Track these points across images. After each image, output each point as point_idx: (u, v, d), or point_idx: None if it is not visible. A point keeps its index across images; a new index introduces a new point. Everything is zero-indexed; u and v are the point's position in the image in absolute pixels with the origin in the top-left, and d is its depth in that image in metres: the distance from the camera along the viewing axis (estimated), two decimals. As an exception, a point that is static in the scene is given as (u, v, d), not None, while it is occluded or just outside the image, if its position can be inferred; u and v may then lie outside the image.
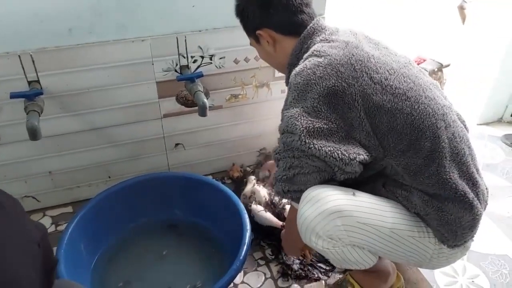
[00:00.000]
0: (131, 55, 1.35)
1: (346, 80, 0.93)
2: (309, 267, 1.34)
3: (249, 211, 1.45)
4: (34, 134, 1.16)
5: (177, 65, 1.42)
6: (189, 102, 1.51)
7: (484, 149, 1.99)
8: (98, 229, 1.36)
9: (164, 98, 1.49)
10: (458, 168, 0.98)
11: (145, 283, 1.30)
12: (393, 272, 1.22)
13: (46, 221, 1.56)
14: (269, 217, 1.42)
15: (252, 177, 1.61)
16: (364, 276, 1.18)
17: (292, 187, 0.99)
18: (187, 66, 1.44)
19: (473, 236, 1.04)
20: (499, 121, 2.23)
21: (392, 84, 0.95)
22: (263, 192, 1.51)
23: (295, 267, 1.34)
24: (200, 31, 1.39)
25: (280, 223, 1.40)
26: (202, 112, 1.33)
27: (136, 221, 1.47)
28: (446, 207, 0.97)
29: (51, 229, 1.53)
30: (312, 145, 0.92)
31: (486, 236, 1.47)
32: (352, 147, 0.94)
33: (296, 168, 0.97)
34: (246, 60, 1.50)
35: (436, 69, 2.15)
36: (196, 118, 1.45)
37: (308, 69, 0.96)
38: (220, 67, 1.49)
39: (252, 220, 1.41)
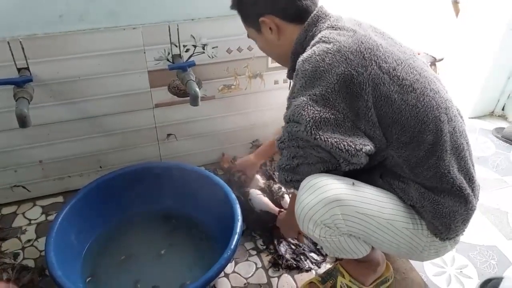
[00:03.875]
0: (123, 43, 1.34)
1: (356, 68, 0.92)
2: (301, 257, 1.35)
3: (246, 195, 1.47)
4: (23, 121, 1.15)
5: (169, 54, 1.41)
6: (181, 92, 1.50)
7: (475, 142, 2.00)
8: (89, 218, 1.35)
9: (156, 88, 1.48)
10: (457, 162, 0.99)
11: (134, 272, 1.29)
12: (383, 261, 1.23)
13: (37, 211, 1.55)
14: (267, 202, 1.43)
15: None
16: (355, 265, 1.19)
17: (295, 177, 0.99)
18: (179, 55, 1.43)
19: (464, 230, 1.05)
20: (491, 114, 2.25)
21: (400, 75, 0.94)
22: (260, 179, 1.52)
23: (288, 256, 1.35)
24: (192, 19, 1.38)
25: (277, 210, 1.41)
26: (194, 101, 1.32)
27: (127, 211, 1.46)
28: (442, 199, 0.97)
29: (42, 218, 1.52)
30: (318, 136, 0.91)
31: (475, 227, 1.49)
32: (358, 137, 0.93)
33: (300, 158, 0.97)
34: (239, 50, 1.50)
35: (429, 63, 2.15)
36: (189, 108, 1.44)
37: (317, 55, 0.94)
38: (212, 57, 1.48)
39: (244, 208, 1.42)
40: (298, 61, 0.98)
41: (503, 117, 2.22)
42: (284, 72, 1.61)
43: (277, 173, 1.04)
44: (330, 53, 0.93)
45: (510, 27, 1.94)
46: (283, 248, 1.37)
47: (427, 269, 1.34)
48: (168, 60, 1.43)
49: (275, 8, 1.05)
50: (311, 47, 0.99)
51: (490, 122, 2.18)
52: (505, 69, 2.09)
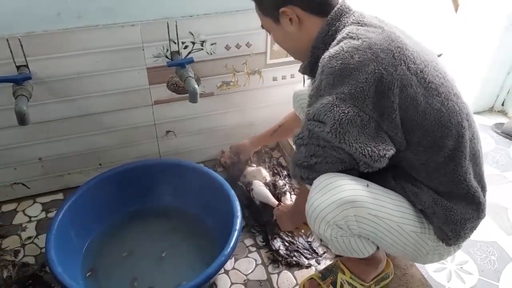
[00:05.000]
0: (121, 40, 1.34)
1: (386, 68, 0.89)
2: (295, 253, 1.35)
3: (249, 185, 1.50)
4: (22, 118, 1.15)
5: (167, 51, 1.41)
6: (180, 89, 1.50)
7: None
8: (89, 215, 1.36)
9: (154, 85, 1.48)
10: (473, 169, 0.98)
11: (133, 270, 1.30)
12: (384, 258, 1.23)
13: (37, 208, 1.55)
14: (268, 194, 1.45)
15: (253, 164, 1.65)
16: (355, 262, 1.19)
17: (312, 175, 0.97)
18: (178, 52, 1.42)
19: (469, 236, 1.05)
20: (490, 110, 2.24)
21: (426, 77, 0.92)
22: (265, 173, 1.53)
23: (281, 252, 1.35)
24: (191, 16, 1.38)
25: (276, 202, 1.42)
26: (193, 98, 1.32)
27: (127, 208, 1.47)
28: (454, 206, 0.97)
29: (42, 216, 1.52)
30: (343, 140, 0.89)
31: (475, 223, 1.49)
32: (381, 141, 0.91)
33: (320, 157, 0.94)
34: (238, 46, 1.49)
35: (428, 59, 2.14)
36: (187, 105, 1.45)
37: (346, 52, 0.90)
38: (211, 54, 1.48)
39: (245, 197, 1.47)
40: (323, 57, 0.94)
41: (502, 112, 2.22)
42: (283, 69, 1.62)
43: (292, 168, 1.01)
44: (360, 50, 0.90)
45: (510, 22, 1.93)
46: (276, 244, 1.38)
47: (427, 265, 1.34)
48: (166, 57, 1.42)
49: None
50: (337, 43, 0.95)
51: (489, 118, 2.17)
52: (504, 64, 2.08)
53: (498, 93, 2.19)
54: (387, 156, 0.91)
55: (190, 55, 1.44)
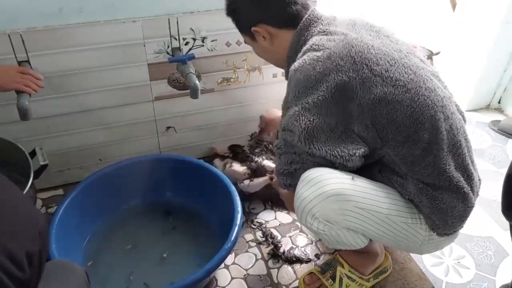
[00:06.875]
0: (122, 36, 1.34)
1: (347, 73, 0.93)
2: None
3: (238, 189, 1.47)
4: (24, 114, 1.15)
5: (168, 47, 1.42)
6: (181, 85, 1.51)
7: (472, 135, 2.01)
8: (89, 211, 1.37)
9: (155, 81, 1.48)
10: (454, 160, 0.99)
11: (132, 266, 1.30)
12: (381, 252, 1.25)
13: (37, 204, 1.55)
14: (257, 182, 1.47)
15: (217, 159, 1.63)
16: (354, 256, 1.21)
17: (293, 181, 1.00)
18: (179, 48, 1.43)
19: (462, 226, 1.06)
20: (487, 107, 2.26)
21: (393, 76, 0.94)
22: (240, 169, 1.52)
23: (280, 245, 1.37)
24: (192, 12, 1.38)
25: (266, 177, 1.45)
26: (194, 94, 1.33)
27: (127, 203, 1.48)
28: (440, 195, 0.98)
29: (42, 211, 1.52)
30: (311, 146, 0.94)
31: (473, 219, 1.49)
32: (350, 143, 0.95)
33: (298, 164, 0.99)
34: (238, 43, 1.50)
35: (426, 57, 2.16)
36: (188, 101, 1.45)
37: (308, 64, 0.96)
38: (212, 50, 1.48)
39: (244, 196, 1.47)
40: (290, 70, 1.00)
41: (499, 110, 2.24)
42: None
43: (276, 177, 1.06)
44: (321, 61, 0.94)
45: (506, 20, 1.95)
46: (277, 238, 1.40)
47: (425, 259, 1.36)
48: (167, 53, 1.43)
49: (266, 17, 1.07)
50: (302, 55, 1.00)
51: (486, 115, 2.19)
52: (501, 62, 2.10)
53: (495, 91, 2.21)
54: (357, 154, 0.94)
55: (191, 51, 1.45)
